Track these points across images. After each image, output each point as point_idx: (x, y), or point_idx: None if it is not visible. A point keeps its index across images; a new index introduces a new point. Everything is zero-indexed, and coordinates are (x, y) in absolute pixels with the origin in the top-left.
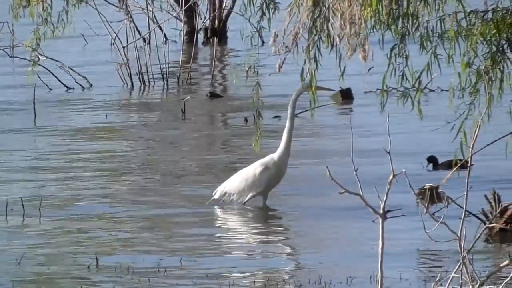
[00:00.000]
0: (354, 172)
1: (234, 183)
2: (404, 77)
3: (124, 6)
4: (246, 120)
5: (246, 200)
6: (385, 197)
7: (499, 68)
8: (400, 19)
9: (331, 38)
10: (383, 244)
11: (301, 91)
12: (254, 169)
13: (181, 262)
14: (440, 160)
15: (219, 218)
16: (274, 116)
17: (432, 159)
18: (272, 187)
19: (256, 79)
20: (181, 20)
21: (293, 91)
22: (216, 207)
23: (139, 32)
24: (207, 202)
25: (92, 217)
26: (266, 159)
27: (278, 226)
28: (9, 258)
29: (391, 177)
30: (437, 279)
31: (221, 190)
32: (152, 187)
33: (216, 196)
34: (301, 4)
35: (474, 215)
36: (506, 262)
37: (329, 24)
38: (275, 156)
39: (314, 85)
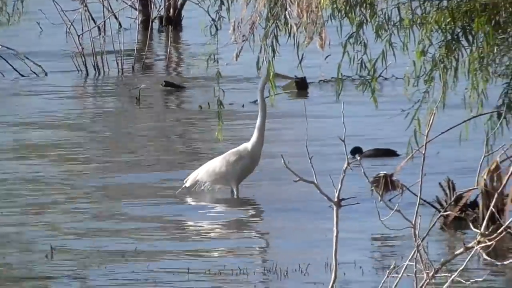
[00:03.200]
0: (309, 160)
1: (207, 171)
2: (363, 65)
3: None
4: (200, 107)
5: (217, 188)
6: (339, 185)
7: (454, 57)
8: (358, 7)
9: (288, 26)
10: (337, 232)
11: (266, 79)
12: (227, 157)
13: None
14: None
15: (176, 207)
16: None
17: (356, 151)
18: (245, 177)
19: (216, 67)
20: (136, 9)
21: (259, 81)
22: (186, 195)
23: (94, 20)
24: (177, 191)
25: (48, 206)
26: (240, 148)
27: (232, 214)
28: None
29: (345, 165)
30: (392, 267)
31: (192, 178)
32: (109, 176)
33: (187, 184)
34: None
35: (428, 203)
36: (461, 250)
37: (286, 12)
38: (248, 145)
39: (274, 73)
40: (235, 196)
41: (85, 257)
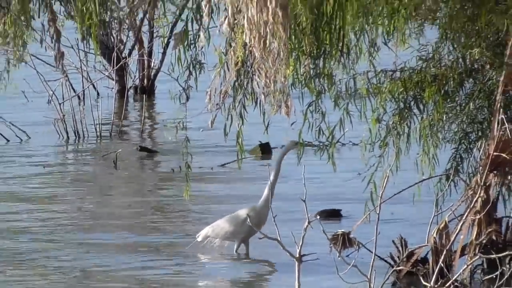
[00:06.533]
0: (273, 219)
1: (217, 228)
2: (321, 132)
3: (60, 66)
4: (173, 170)
5: (226, 244)
6: (301, 242)
7: (406, 124)
8: (317, 78)
9: (255, 96)
10: (299, 285)
11: (290, 147)
12: (237, 216)
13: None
14: None
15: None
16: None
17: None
18: (252, 235)
19: (184, 133)
20: (112, 79)
21: (283, 148)
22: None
23: (74, 90)
24: (188, 246)
25: (29, 261)
26: (249, 208)
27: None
28: None
29: (306, 223)
30: None
31: (204, 234)
32: (88, 231)
33: (199, 239)
34: (228, 64)
35: (382, 259)
36: None
37: (254, 82)
38: (257, 206)
39: (297, 142)
40: (235, 252)
41: None
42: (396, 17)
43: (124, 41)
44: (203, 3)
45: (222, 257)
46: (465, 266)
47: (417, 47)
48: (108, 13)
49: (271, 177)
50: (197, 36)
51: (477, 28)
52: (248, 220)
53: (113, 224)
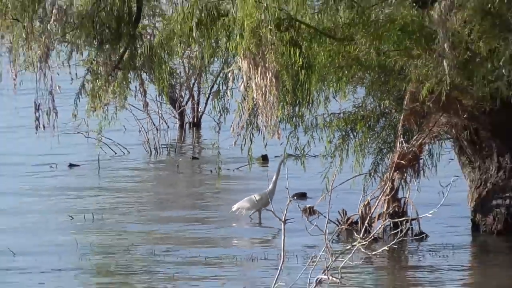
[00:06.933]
0: (270, 202)
1: (242, 204)
2: (297, 148)
3: (146, 110)
4: (211, 171)
5: (250, 214)
6: (285, 212)
7: (346, 143)
8: (294, 118)
9: (259, 128)
10: (284, 236)
11: (282, 160)
12: (252, 198)
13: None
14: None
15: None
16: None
17: (299, 195)
18: (262, 208)
19: (217, 149)
20: (176, 117)
21: (279, 161)
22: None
23: (153, 123)
24: (229, 211)
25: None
26: (260, 193)
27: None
28: None
29: (288, 201)
30: (313, 255)
31: (236, 207)
32: (167, 207)
33: (233, 209)
34: (243, 109)
35: (332, 221)
36: (349, 246)
37: (259, 120)
38: (266, 191)
39: (287, 154)
40: (256, 220)
41: None
42: (340, 82)
43: (183, 95)
44: (229, 74)
45: (245, 223)
46: (380, 226)
47: (352, 99)
48: (174, 79)
49: (274, 177)
50: (225, 93)
51: (387, 88)
52: (257, 199)
53: (180, 200)
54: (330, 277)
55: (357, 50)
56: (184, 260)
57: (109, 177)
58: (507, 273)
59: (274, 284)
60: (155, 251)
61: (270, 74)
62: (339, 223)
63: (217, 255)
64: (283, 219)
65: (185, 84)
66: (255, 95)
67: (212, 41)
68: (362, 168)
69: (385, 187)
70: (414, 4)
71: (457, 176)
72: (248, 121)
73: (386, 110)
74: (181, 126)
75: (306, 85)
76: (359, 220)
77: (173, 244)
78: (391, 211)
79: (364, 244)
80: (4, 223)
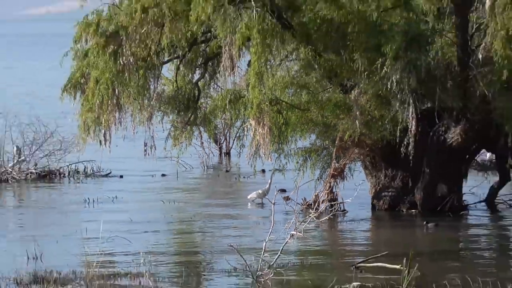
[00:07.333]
0: (267, 194)
1: (253, 194)
2: (280, 166)
3: (202, 148)
4: (236, 178)
5: (259, 202)
6: (273, 201)
7: (306, 164)
8: (279, 150)
9: (260, 156)
10: (273, 213)
11: (273, 172)
12: (259, 191)
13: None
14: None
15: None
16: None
17: (282, 190)
18: (263, 197)
19: (238, 166)
20: (217, 149)
21: (271, 172)
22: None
23: (207, 154)
24: (246, 197)
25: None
26: (263, 189)
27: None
28: None
29: (275, 193)
30: (288, 221)
31: (250, 196)
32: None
33: (248, 197)
34: (252, 146)
35: (299, 203)
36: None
37: (260, 151)
38: (265, 188)
39: (273, 171)
40: (259, 203)
41: None
42: (302, 132)
43: (221, 138)
44: (245, 128)
45: (255, 208)
46: (323, 206)
47: (309, 140)
48: (216, 130)
49: (269, 181)
50: (244, 136)
51: (327, 134)
52: (260, 192)
53: (219, 191)
54: (298, 233)
55: (312, 115)
56: (215, 215)
57: (184, 181)
58: (391, 230)
59: (268, 237)
60: (206, 224)
61: (266, 127)
62: (302, 205)
63: (235, 223)
64: (272, 202)
65: (222, 133)
66: (258, 138)
67: (237, 110)
68: (314, 176)
69: (327, 186)
70: (341, 90)
71: (364, 180)
72: (254, 151)
73: (327, 146)
74: (220, 154)
75: (285, 134)
76: (312, 203)
77: (212, 219)
78: (329, 198)
79: (315, 215)
80: (138, 199)
